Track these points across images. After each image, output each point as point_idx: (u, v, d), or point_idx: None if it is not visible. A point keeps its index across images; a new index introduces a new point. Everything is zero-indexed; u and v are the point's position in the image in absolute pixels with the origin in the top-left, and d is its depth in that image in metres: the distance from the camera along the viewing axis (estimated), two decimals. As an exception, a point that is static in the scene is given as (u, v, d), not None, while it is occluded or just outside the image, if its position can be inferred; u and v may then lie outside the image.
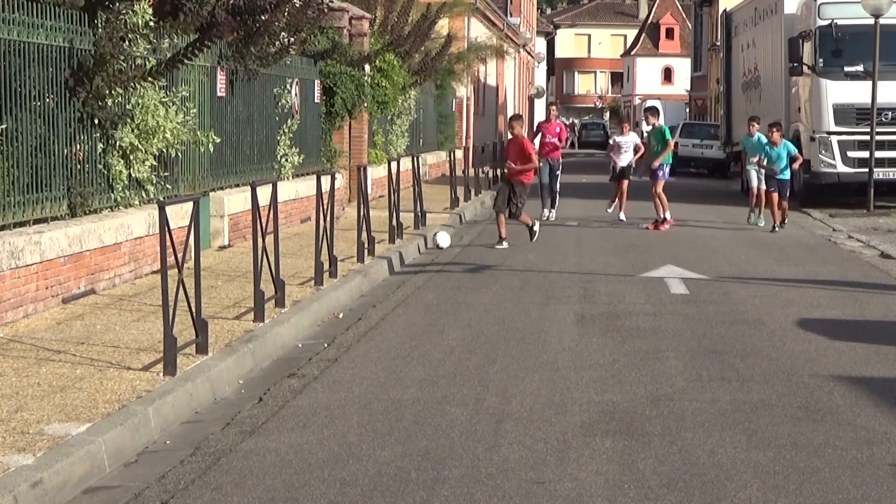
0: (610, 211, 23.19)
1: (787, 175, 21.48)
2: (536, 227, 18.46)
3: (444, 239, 18.43)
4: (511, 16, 55.53)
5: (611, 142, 24.25)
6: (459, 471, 6.87)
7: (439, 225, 19.16)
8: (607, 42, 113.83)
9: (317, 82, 21.12)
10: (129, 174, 13.10)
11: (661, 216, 21.60)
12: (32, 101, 11.32)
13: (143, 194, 13.50)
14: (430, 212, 21.35)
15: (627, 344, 10.82)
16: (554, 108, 25.62)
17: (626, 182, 23.07)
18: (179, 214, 12.73)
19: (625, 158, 23.10)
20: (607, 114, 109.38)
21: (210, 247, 15.69)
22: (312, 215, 15.51)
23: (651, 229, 21.31)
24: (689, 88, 74.63)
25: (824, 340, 11.06)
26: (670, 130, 24.44)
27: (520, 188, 18.14)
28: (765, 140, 21.79)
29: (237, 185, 16.80)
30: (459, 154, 29.40)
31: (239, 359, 9.44)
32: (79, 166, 12.19)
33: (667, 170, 22.04)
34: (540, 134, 24.02)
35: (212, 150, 15.44)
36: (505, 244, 18.05)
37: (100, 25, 12.42)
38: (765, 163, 21.35)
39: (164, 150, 13.72)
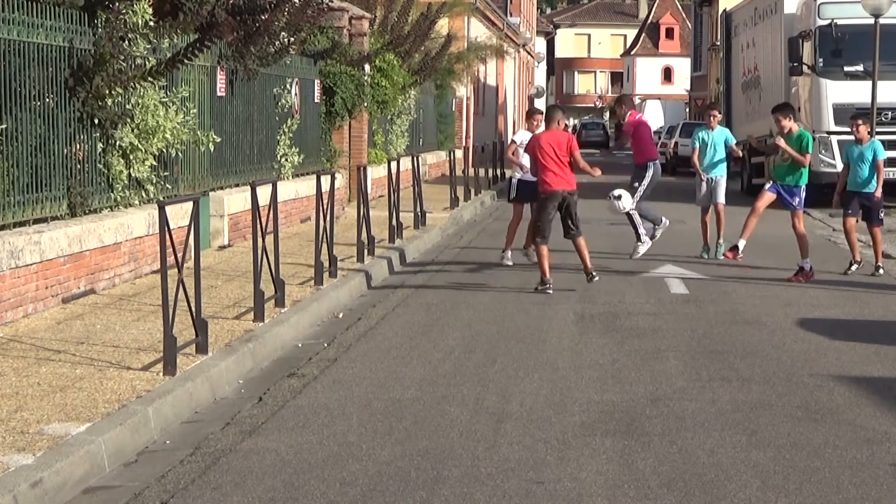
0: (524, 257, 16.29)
1: (871, 187, 15.58)
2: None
3: (627, 201, 15.38)
4: (511, 16, 55.55)
5: (515, 139, 16.52)
6: (459, 471, 6.87)
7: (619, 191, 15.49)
8: (607, 42, 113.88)
9: (317, 82, 21.12)
10: (129, 174, 13.10)
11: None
12: (32, 101, 11.32)
13: (143, 194, 13.50)
14: (430, 212, 21.36)
15: (627, 344, 10.82)
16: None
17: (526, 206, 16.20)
18: (179, 214, 12.73)
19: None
20: (607, 114, 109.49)
21: (210, 247, 15.69)
22: (312, 215, 15.51)
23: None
24: (688, 88, 74.75)
25: (824, 340, 11.06)
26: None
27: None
28: (725, 134, 17.58)
29: (237, 185, 16.81)
30: (459, 154, 29.41)
31: (239, 359, 9.44)
32: (79, 166, 12.19)
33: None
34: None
35: (212, 150, 15.44)
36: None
37: (100, 25, 12.42)
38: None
39: (164, 150, 13.71)
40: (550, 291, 13.63)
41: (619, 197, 15.23)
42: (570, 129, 17.21)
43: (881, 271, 15.78)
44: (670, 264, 16.37)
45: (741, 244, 15.68)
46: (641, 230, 16.24)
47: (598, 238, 19.98)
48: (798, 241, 15.36)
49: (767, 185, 15.64)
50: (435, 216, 21.59)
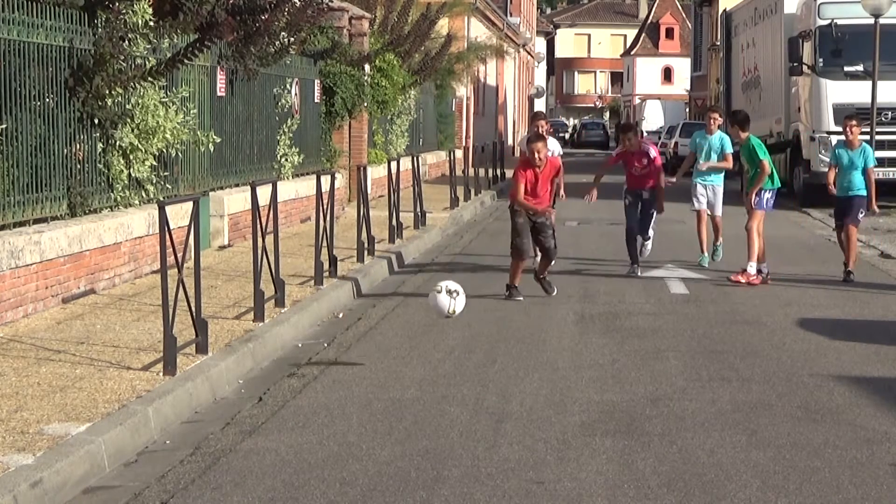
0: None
1: (861, 190, 15.26)
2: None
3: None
4: (511, 16, 55.57)
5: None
6: (459, 471, 6.87)
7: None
8: (607, 42, 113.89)
9: (317, 82, 21.12)
10: (129, 174, 13.10)
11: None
12: (32, 101, 11.32)
13: (143, 194, 13.50)
14: (430, 212, 21.36)
15: (627, 344, 10.82)
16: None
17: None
18: (179, 214, 12.73)
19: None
20: (607, 114, 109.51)
21: (210, 246, 15.68)
22: (312, 215, 15.51)
23: None
24: (688, 88, 74.75)
25: (824, 340, 11.07)
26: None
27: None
28: (722, 140, 16.30)
29: (237, 185, 16.81)
30: (459, 154, 29.41)
31: (239, 359, 9.44)
32: (79, 166, 12.19)
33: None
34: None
35: (212, 150, 15.44)
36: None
37: (100, 25, 12.42)
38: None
39: (164, 150, 13.72)
40: (520, 299, 13.19)
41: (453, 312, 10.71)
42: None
43: (852, 276, 15.02)
44: (670, 264, 16.37)
45: (762, 267, 14.80)
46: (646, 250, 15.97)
47: (598, 239, 20.00)
48: (747, 240, 14.65)
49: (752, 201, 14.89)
50: (435, 216, 21.59)
